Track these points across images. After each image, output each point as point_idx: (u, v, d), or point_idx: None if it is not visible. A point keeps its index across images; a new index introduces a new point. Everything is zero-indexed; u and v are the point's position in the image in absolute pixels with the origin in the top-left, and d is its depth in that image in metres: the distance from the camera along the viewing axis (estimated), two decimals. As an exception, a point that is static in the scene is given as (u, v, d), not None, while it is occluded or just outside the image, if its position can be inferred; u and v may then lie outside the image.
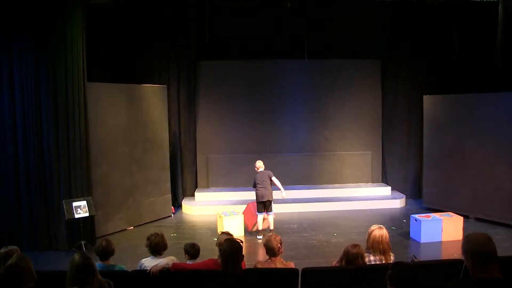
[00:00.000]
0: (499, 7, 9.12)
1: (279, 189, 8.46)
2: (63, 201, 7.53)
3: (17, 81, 7.55)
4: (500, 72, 9.46)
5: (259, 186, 8.34)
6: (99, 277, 3.39)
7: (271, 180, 8.38)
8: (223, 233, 4.91)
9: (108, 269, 4.43)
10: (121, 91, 9.15)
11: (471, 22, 10.07)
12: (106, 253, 4.57)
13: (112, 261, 4.69)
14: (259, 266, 4.39)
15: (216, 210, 10.39)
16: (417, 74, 11.15)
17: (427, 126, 10.23)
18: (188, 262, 4.75)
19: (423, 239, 7.93)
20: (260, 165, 8.59)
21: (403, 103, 11.46)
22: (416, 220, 8.13)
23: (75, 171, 7.79)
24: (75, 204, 7.58)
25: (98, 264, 4.34)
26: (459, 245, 7.82)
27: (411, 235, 8.28)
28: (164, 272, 4.13)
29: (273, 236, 4.48)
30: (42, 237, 7.76)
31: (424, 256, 7.19)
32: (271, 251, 4.42)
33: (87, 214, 7.69)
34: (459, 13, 10.02)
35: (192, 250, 4.79)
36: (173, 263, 4.27)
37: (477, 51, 10.03)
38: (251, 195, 11.04)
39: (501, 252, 2.63)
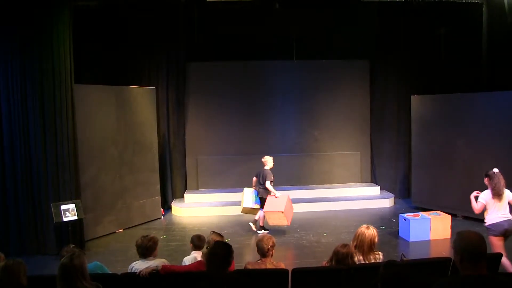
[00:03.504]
0: (483, 9, 9.24)
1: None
2: (51, 204, 7.45)
3: (2, 83, 7.46)
4: (486, 72, 9.58)
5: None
6: (87, 279, 3.35)
7: (264, 181, 8.56)
8: (213, 232, 4.89)
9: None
10: (109, 93, 9.09)
11: (457, 23, 10.19)
12: None
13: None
14: (249, 266, 4.39)
15: (206, 212, 10.41)
16: (405, 74, 11.27)
17: (415, 126, 10.33)
18: (192, 252, 4.83)
19: (412, 238, 8.00)
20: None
21: (391, 103, 11.56)
22: (405, 219, 8.20)
23: (63, 174, 7.72)
24: (63, 207, 7.50)
25: None
26: (448, 243, 7.91)
27: (400, 234, 8.35)
28: (154, 274, 4.11)
29: (267, 237, 4.47)
30: (29, 241, 7.67)
31: (413, 254, 7.25)
32: (261, 252, 4.43)
33: (75, 217, 7.61)
34: (445, 14, 10.12)
35: (198, 242, 4.89)
36: (162, 265, 4.26)
37: (463, 51, 10.15)
38: (241, 196, 11.07)
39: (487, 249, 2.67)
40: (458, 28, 10.26)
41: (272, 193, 8.51)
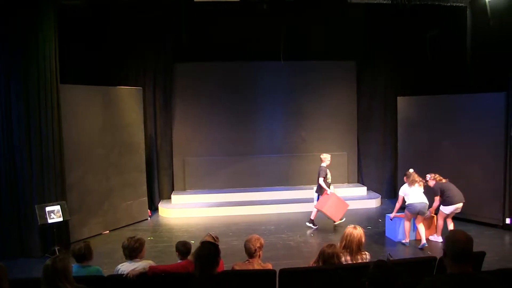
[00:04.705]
0: (467, 12, 9.38)
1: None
2: (36, 206, 7.36)
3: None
4: (470, 74, 9.71)
5: None
6: (71, 282, 3.32)
7: (318, 178, 8.99)
8: (209, 234, 4.84)
9: (84, 270, 4.38)
10: (96, 93, 9.01)
11: (443, 25, 10.31)
12: (83, 255, 4.47)
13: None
14: (237, 267, 4.38)
15: (193, 213, 10.38)
16: (391, 75, 11.38)
17: (401, 127, 10.43)
18: (179, 260, 4.70)
19: (398, 238, 8.07)
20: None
21: (378, 104, 11.67)
22: (391, 220, 8.26)
23: (49, 175, 7.63)
24: (48, 209, 7.42)
25: (74, 265, 4.33)
26: (433, 243, 8.00)
27: (387, 234, 8.42)
28: (141, 276, 4.08)
29: (254, 238, 4.46)
30: (13, 244, 7.53)
31: (399, 254, 7.32)
32: (248, 252, 4.42)
33: (61, 219, 7.53)
34: (431, 17, 10.23)
35: (183, 248, 4.72)
36: (149, 266, 4.23)
37: (449, 53, 10.27)
38: (229, 197, 11.08)
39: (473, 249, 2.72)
40: (444, 30, 10.38)
41: (324, 190, 8.90)
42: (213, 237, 4.75)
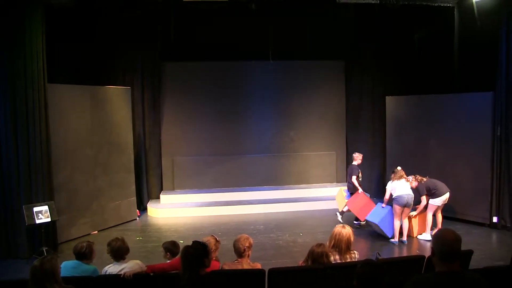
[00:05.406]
0: (455, 13, 9.47)
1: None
2: (23, 206, 7.27)
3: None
4: (458, 73, 9.81)
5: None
6: (59, 282, 3.29)
7: (350, 177, 9.12)
8: (213, 236, 4.82)
9: (82, 266, 4.43)
10: (84, 93, 8.93)
11: (431, 25, 10.40)
12: (83, 254, 4.52)
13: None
14: (226, 267, 4.38)
15: (182, 213, 10.33)
16: (380, 75, 11.43)
17: (389, 126, 10.51)
18: (167, 261, 4.69)
19: (381, 223, 8.15)
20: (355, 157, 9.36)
21: (366, 103, 11.71)
22: (383, 207, 8.33)
23: (36, 175, 7.54)
24: (36, 209, 7.33)
25: (73, 261, 4.44)
26: (421, 242, 8.07)
27: (367, 217, 8.47)
28: (137, 275, 4.07)
29: (243, 238, 4.45)
30: (0, 245, 7.45)
31: (388, 253, 7.38)
32: (238, 252, 4.42)
33: (49, 219, 7.45)
34: (420, 17, 10.31)
35: (173, 248, 4.74)
36: (147, 266, 4.23)
37: (437, 53, 10.36)
38: (218, 197, 11.07)
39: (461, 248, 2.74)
40: (432, 30, 10.47)
41: (357, 188, 9.01)
42: (216, 238, 4.72)
